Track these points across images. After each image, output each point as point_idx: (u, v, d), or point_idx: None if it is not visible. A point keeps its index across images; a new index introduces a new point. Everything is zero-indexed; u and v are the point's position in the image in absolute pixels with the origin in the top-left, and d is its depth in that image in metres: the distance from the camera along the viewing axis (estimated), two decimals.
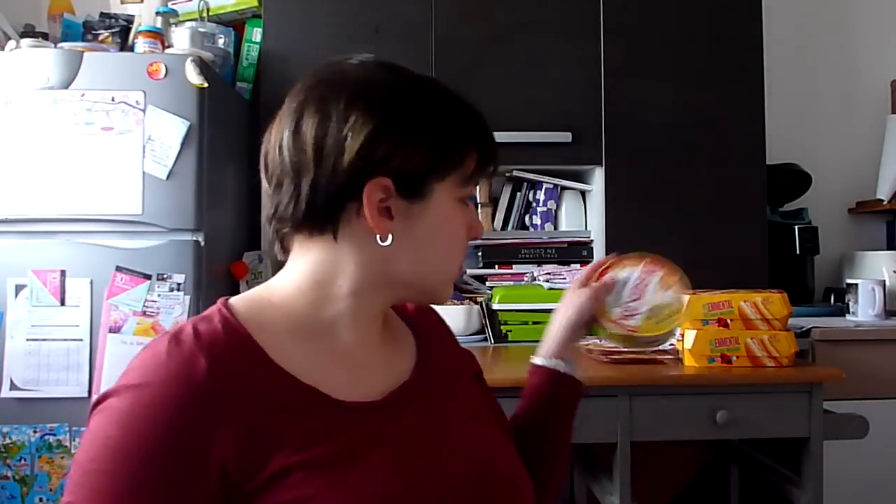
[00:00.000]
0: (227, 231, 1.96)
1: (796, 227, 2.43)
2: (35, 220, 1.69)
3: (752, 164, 2.16)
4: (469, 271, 2.07)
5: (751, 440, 1.71)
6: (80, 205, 1.68)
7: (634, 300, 0.99)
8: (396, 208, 0.69)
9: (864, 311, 2.15)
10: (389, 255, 0.70)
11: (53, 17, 2.22)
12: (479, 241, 2.04)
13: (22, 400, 1.64)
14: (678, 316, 1.02)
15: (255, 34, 2.20)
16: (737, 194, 2.15)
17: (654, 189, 2.13)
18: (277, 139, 0.71)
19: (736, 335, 1.38)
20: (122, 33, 2.11)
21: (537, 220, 2.24)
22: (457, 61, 2.11)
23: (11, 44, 1.83)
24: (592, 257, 2.12)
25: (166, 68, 1.70)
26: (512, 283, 1.99)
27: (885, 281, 2.21)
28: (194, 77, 1.69)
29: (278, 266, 0.76)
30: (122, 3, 2.26)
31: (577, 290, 0.97)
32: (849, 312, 2.20)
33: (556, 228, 2.25)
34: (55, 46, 1.83)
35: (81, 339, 1.66)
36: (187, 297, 1.68)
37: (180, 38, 2.03)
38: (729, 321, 1.39)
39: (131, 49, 1.98)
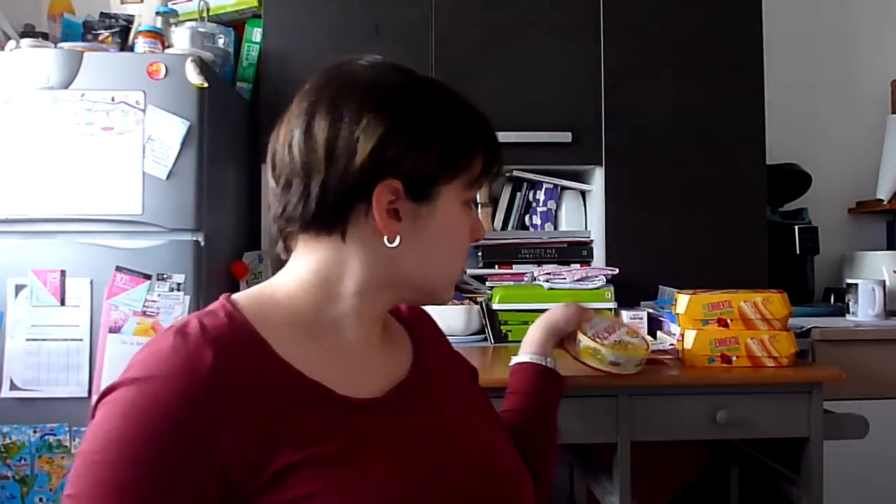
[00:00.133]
0: (227, 231, 1.96)
1: (796, 227, 2.43)
2: (35, 220, 1.69)
3: (752, 164, 2.16)
4: (469, 271, 2.07)
5: (751, 440, 1.70)
6: (80, 205, 1.68)
7: (607, 333, 1.23)
8: (404, 210, 0.70)
9: (864, 311, 2.15)
10: (395, 256, 0.71)
11: (53, 17, 2.22)
12: (479, 241, 2.04)
13: (22, 400, 1.64)
14: (643, 353, 1.26)
15: (255, 34, 2.20)
16: (737, 194, 2.15)
17: (654, 189, 2.13)
18: (287, 139, 0.71)
19: (736, 335, 1.38)
20: (122, 33, 2.10)
21: (537, 220, 2.24)
22: (457, 61, 2.11)
23: (11, 44, 1.83)
24: (592, 257, 2.12)
25: (166, 68, 1.70)
26: (512, 283, 1.99)
27: (885, 281, 2.21)
28: (194, 77, 1.69)
29: (278, 266, 0.76)
30: (122, 3, 2.26)
31: (565, 305, 1.15)
32: (849, 312, 2.20)
33: (556, 228, 2.25)
34: (55, 46, 1.83)
35: (81, 339, 1.66)
36: (187, 297, 1.68)
37: (180, 38, 2.03)
38: (729, 321, 1.39)
39: (131, 49, 1.98)
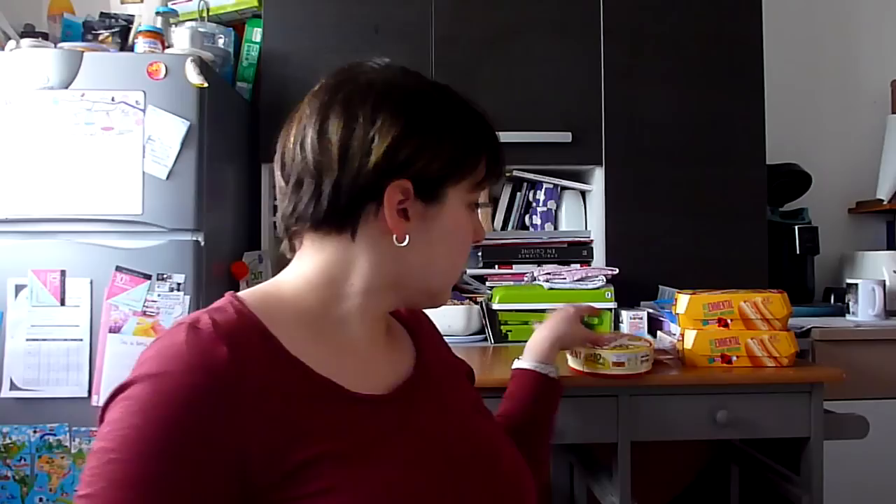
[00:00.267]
0: (227, 231, 1.96)
1: (796, 227, 2.43)
2: (35, 220, 1.69)
3: (752, 164, 2.16)
4: (469, 271, 2.07)
5: (751, 440, 1.70)
6: (80, 205, 1.68)
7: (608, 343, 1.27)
8: (413, 210, 0.71)
9: (864, 311, 2.15)
10: (403, 255, 0.72)
11: (53, 17, 2.22)
12: (479, 243, 2.04)
13: (22, 400, 1.64)
14: (645, 349, 1.28)
15: (255, 34, 2.20)
16: (737, 194, 2.15)
17: (654, 189, 2.13)
18: (298, 138, 0.71)
19: (736, 335, 1.38)
20: (122, 33, 2.11)
21: (537, 220, 2.24)
22: (457, 61, 2.11)
23: (11, 44, 1.83)
24: (592, 257, 2.12)
25: (166, 68, 1.70)
26: (512, 283, 1.99)
27: (885, 281, 2.21)
28: (194, 77, 1.69)
29: (279, 265, 0.77)
30: (122, 3, 2.27)
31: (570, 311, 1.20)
32: (849, 312, 2.20)
33: (556, 228, 2.25)
34: (55, 46, 1.83)
35: (81, 339, 1.66)
36: (187, 297, 1.68)
37: (180, 38, 2.03)
38: (729, 321, 1.39)
39: (131, 49, 1.98)
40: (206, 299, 1.69)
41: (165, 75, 1.70)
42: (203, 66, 1.73)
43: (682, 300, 1.41)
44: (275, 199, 2.26)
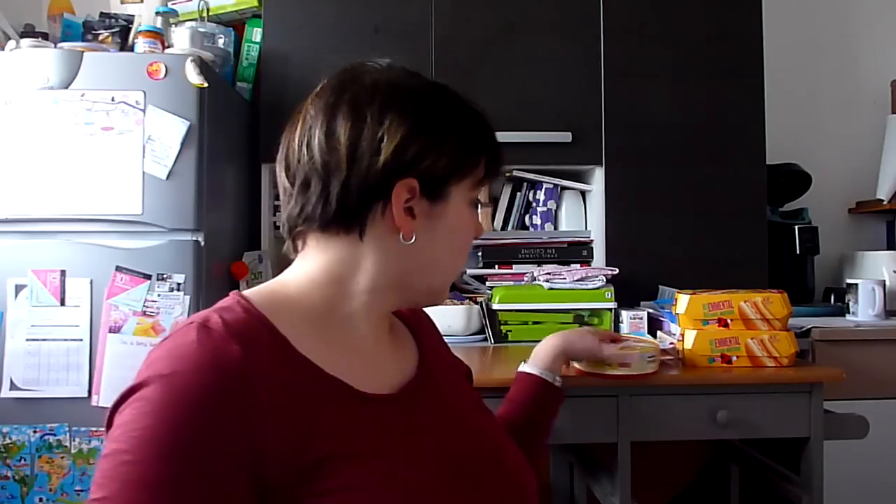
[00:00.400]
0: (227, 231, 1.96)
1: (796, 227, 2.43)
2: (35, 220, 1.69)
3: (752, 164, 2.16)
4: (469, 271, 2.07)
5: (751, 440, 1.70)
6: (80, 205, 1.68)
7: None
8: (419, 209, 0.72)
9: (864, 311, 2.15)
10: (408, 253, 0.72)
11: (53, 17, 2.22)
12: (479, 241, 2.04)
13: (22, 400, 1.64)
14: (651, 349, 1.28)
15: (255, 34, 2.20)
16: (737, 194, 2.15)
17: (654, 189, 2.13)
18: (304, 139, 0.71)
19: (736, 335, 1.38)
20: (122, 33, 2.11)
21: (537, 220, 2.24)
22: (457, 61, 2.11)
23: (11, 44, 1.83)
24: (592, 257, 2.12)
25: (166, 68, 1.70)
26: (512, 283, 1.99)
27: (885, 281, 2.21)
28: (194, 77, 1.69)
29: (279, 265, 0.77)
30: (122, 3, 2.27)
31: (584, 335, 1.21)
32: (849, 312, 2.20)
33: (556, 228, 2.25)
34: (55, 46, 1.83)
35: (81, 339, 1.66)
36: (187, 297, 1.68)
37: (180, 38, 2.03)
38: (729, 321, 1.39)
39: (131, 49, 1.98)
40: (206, 299, 1.70)
41: (165, 75, 1.70)
42: (203, 66, 1.73)
43: (682, 300, 1.41)
44: (275, 199, 2.26)
